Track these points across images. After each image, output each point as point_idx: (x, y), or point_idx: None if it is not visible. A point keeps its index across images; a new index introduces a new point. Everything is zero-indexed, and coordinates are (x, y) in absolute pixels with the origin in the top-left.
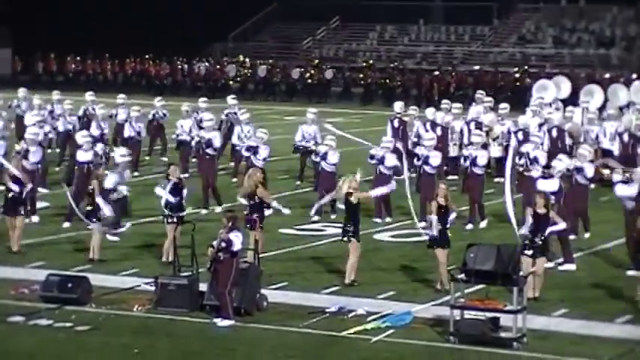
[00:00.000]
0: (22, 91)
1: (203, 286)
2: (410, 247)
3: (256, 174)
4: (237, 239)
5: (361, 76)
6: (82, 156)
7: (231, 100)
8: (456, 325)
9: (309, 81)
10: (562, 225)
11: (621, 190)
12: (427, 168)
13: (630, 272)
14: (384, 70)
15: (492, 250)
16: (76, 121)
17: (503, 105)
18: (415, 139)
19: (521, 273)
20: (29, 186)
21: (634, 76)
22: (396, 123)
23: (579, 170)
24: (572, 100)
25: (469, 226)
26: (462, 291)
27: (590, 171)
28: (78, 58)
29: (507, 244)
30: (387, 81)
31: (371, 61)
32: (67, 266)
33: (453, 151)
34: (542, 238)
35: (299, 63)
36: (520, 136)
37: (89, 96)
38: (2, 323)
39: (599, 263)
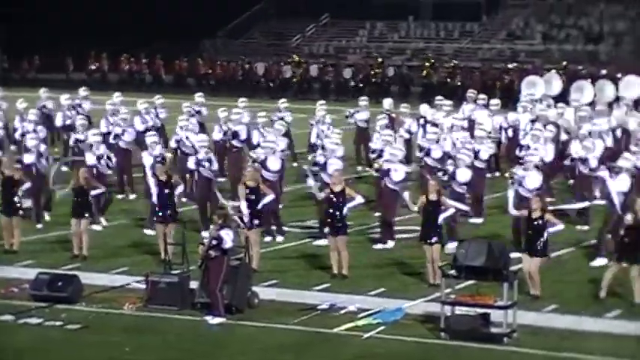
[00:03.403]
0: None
1: (194, 284)
2: (400, 243)
3: (255, 172)
4: (227, 237)
5: (424, 73)
6: (90, 159)
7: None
8: (446, 321)
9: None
10: (560, 226)
11: (614, 186)
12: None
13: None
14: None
15: (483, 246)
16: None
17: (494, 101)
18: (407, 136)
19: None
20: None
21: (603, 72)
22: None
23: (584, 161)
24: (562, 96)
25: (475, 220)
26: (452, 287)
27: (593, 162)
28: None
29: (498, 240)
30: (449, 80)
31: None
32: (57, 265)
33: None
34: (541, 240)
35: (351, 62)
36: (510, 132)
37: (44, 92)
38: None
39: (588, 258)
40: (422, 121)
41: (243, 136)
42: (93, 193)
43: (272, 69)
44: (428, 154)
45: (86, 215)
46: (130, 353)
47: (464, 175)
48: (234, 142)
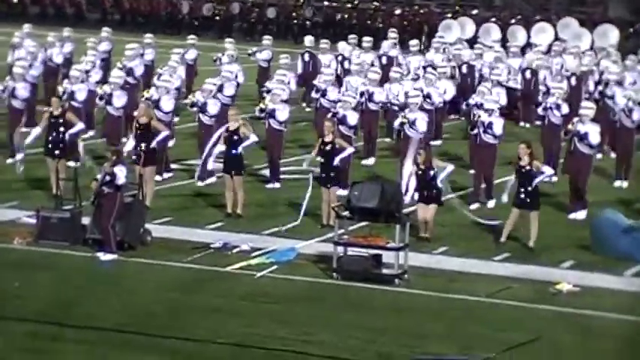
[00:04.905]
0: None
1: (86, 220)
2: (295, 183)
3: (147, 108)
4: (121, 173)
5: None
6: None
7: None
8: (339, 261)
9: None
10: (450, 167)
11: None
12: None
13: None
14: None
15: (377, 188)
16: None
17: (413, 42)
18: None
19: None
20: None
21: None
22: (306, 57)
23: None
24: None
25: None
26: (346, 228)
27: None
28: None
29: (391, 182)
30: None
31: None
32: None
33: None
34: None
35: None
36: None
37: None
38: None
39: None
40: (340, 58)
41: (138, 72)
42: None
43: (196, 7)
44: (324, 95)
45: None
46: (19, 288)
47: (353, 117)
48: (129, 79)
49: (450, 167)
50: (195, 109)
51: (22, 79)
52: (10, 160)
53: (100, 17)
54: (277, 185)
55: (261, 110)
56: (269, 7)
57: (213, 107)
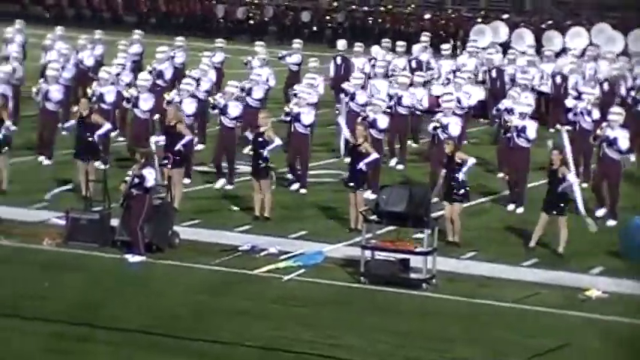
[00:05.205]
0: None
1: (115, 222)
2: (324, 187)
3: (177, 112)
4: (150, 175)
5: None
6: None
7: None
8: (366, 265)
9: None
10: (472, 160)
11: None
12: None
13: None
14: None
15: (405, 192)
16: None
17: (445, 46)
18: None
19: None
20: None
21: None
22: (338, 60)
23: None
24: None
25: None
26: (374, 232)
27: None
28: None
29: (420, 186)
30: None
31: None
32: None
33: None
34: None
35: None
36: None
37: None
38: None
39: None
40: (373, 62)
41: (168, 75)
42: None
43: (231, 10)
44: (353, 98)
45: (5, 149)
46: (48, 289)
47: (383, 121)
48: (159, 82)
49: (472, 160)
50: (216, 111)
51: (55, 81)
52: (46, 162)
53: (137, 20)
54: (303, 191)
55: (287, 114)
56: (303, 11)
57: (235, 110)
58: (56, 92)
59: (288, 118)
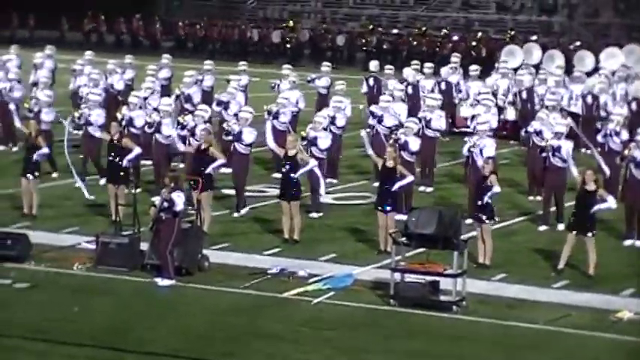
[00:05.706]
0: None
1: (144, 246)
2: (352, 209)
3: (208, 135)
4: (179, 199)
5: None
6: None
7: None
8: (396, 288)
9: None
10: (497, 189)
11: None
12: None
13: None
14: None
15: (434, 214)
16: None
17: (473, 67)
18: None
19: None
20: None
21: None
22: (371, 81)
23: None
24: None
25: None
26: (403, 254)
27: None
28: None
29: (449, 208)
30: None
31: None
32: (6, 223)
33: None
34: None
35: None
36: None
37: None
38: None
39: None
40: (405, 84)
41: (196, 99)
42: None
43: (266, 34)
44: (380, 121)
45: (36, 174)
46: (78, 313)
47: (414, 143)
48: (187, 106)
49: (498, 189)
50: (230, 137)
51: (97, 106)
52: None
53: (175, 45)
54: (315, 215)
55: (303, 138)
56: (338, 35)
57: (249, 136)
58: (98, 117)
59: (305, 143)
